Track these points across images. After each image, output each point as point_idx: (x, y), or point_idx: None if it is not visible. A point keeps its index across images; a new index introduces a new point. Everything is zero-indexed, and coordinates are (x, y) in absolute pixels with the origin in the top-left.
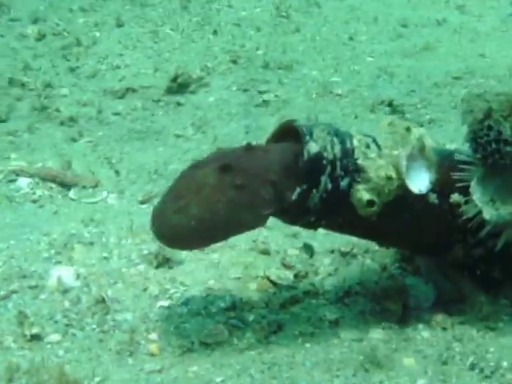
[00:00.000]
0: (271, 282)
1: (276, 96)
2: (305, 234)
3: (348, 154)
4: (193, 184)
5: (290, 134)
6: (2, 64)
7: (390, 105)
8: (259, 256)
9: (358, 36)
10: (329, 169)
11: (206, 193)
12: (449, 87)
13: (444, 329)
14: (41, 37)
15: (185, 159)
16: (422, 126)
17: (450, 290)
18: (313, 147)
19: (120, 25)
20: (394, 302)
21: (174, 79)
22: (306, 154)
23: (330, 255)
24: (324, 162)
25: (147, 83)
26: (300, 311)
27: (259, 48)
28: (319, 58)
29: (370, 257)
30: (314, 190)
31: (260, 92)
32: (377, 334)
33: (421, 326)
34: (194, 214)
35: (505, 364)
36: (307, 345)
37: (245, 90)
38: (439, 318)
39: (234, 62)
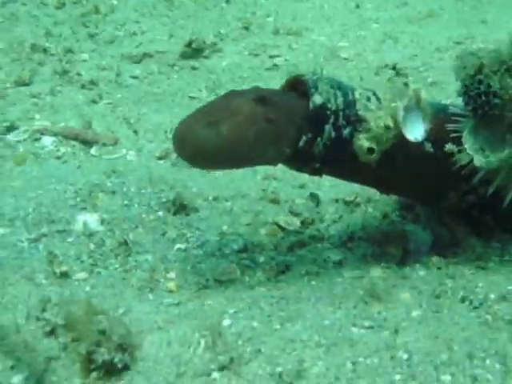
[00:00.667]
0: (280, 227)
1: (286, 60)
2: (311, 186)
3: (350, 105)
4: (228, 107)
5: (297, 87)
6: (25, 31)
7: (393, 68)
8: (269, 204)
9: (365, 4)
10: (332, 118)
11: (239, 118)
12: (450, 51)
13: (439, 268)
14: (61, 5)
15: None
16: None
17: (446, 235)
18: (317, 99)
19: None
20: (394, 246)
21: (189, 44)
22: (311, 104)
23: (335, 204)
24: (328, 112)
25: (163, 49)
26: (306, 253)
27: (270, 15)
28: (327, 24)
29: (372, 205)
30: (319, 138)
31: (270, 56)
32: (376, 273)
33: (417, 266)
34: (223, 133)
35: (492, 296)
36: (313, 282)
37: (256, 55)
38: (435, 259)
39: (246, 28)
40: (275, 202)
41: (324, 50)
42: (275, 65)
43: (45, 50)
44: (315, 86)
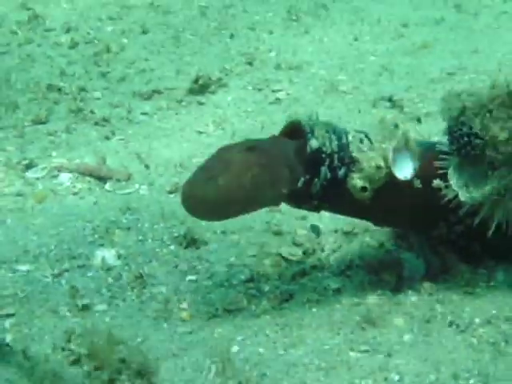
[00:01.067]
0: (283, 258)
1: (288, 94)
2: (312, 217)
3: (344, 148)
4: (221, 161)
5: (295, 130)
6: (41, 71)
7: (390, 100)
8: (273, 236)
9: (363, 37)
10: (328, 161)
11: (234, 168)
12: (443, 83)
13: (430, 294)
14: (74, 45)
15: (207, 153)
16: (419, 118)
17: (437, 262)
18: (314, 143)
19: (145, 32)
20: (389, 274)
21: (196, 81)
22: (308, 148)
23: (334, 234)
24: (323, 155)
25: (171, 85)
26: (307, 282)
27: (272, 50)
28: (327, 58)
29: (369, 235)
30: (316, 179)
31: (273, 91)
32: (373, 300)
33: (410, 292)
34: (222, 185)
35: (477, 320)
36: (313, 309)
37: (259, 90)
38: (426, 285)
39: (250, 63)
40: (278, 233)
41: (323, 84)
42: (278, 99)
43: (59, 90)
44: (312, 131)
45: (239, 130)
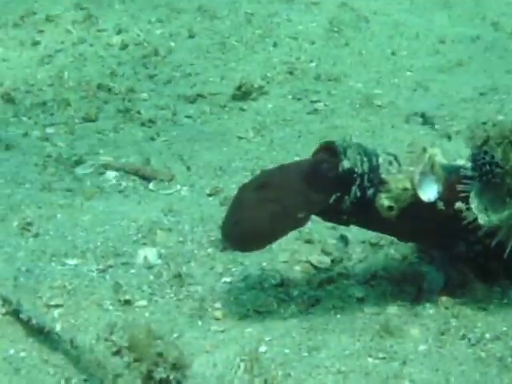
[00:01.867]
0: (312, 265)
1: (325, 105)
2: (342, 228)
3: (374, 169)
4: (241, 202)
5: (329, 150)
6: (93, 70)
7: (422, 116)
8: (304, 244)
9: (400, 51)
10: (358, 181)
11: (252, 209)
12: (474, 102)
13: (446, 308)
14: (124, 46)
15: (245, 158)
16: (449, 136)
17: (456, 277)
18: (346, 164)
19: (192, 36)
20: (410, 285)
21: (239, 88)
22: (340, 168)
23: (362, 245)
24: (354, 175)
25: (214, 90)
26: (334, 289)
27: (313, 60)
28: (364, 71)
29: (393, 248)
30: (346, 197)
31: (312, 101)
32: (392, 310)
33: (428, 305)
34: (247, 226)
35: (487, 336)
36: (338, 316)
37: (298, 99)
38: (444, 299)
39: (291, 73)
40: (310, 241)
41: (360, 97)
42: (315, 109)
43: (109, 89)
44: (344, 153)
45: (277, 137)
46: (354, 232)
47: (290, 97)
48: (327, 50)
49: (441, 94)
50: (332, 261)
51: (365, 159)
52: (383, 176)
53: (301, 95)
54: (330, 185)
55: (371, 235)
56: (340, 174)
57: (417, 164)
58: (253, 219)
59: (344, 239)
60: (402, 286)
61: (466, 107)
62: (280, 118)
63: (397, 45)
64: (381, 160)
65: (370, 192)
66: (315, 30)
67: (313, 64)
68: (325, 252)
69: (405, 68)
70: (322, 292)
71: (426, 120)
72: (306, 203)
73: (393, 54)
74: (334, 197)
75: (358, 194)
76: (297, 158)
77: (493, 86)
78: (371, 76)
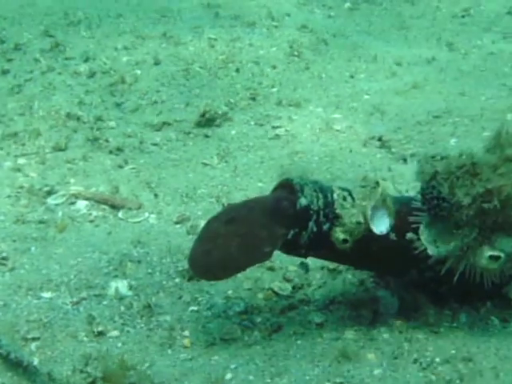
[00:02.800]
0: (274, 292)
1: (286, 131)
2: None
3: (329, 205)
4: (211, 234)
5: (288, 187)
6: (62, 99)
7: (379, 140)
8: (266, 271)
9: (358, 74)
10: (314, 216)
11: (220, 241)
12: (429, 125)
13: (400, 332)
14: (92, 74)
15: (211, 185)
16: (405, 159)
17: (410, 301)
18: (303, 201)
19: (157, 63)
20: (366, 309)
21: (203, 114)
22: (298, 205)
23: (321, 271)
24: (311, 211)
25: (180, 117)
26: (295, 315)
27: (274, 85)
28: (324, 95)
29: (351, 273)
30: (304, 232)
31: (273, 127)
32: (350, 335)
33: (383, 329)
34: (215, 257)
35: (437, 359)
36: (298, 341)
37: (261, 125)
38: (398, 323)
39: (253, 98)
40: (272, 269)
41: (320, 121)
42: (277, 135)
43: (78, 118)
44: (301, 190)
45: (241, 163)
46: (313, 259)
47: (252, 123)
48: (288, 75)
49: (397, 117)
50: (293, 287)
51: (320, 196)
52: (338, 211)
53: (263, 121)
54: (290, 221)
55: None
56: (298, 211)
57: (369, 199)
58: (222, 251)
59: (304, 266)
60: (359, 311)
61: (421, 130)
62: (243, 144)
63: (355, 68)
64: (335, 196)
65: (326, 226)
66: (276, 55)
67: (274, 89)
68: (286, 279)
69: (363, 91)
70: (284, 318)
71: (383, 143)
72: (270, 238)
73: (351, 77)
74: (292, 232)
75: (315, 228)
76: (260, 184)
77: (447, 109)
78: (330, 100)
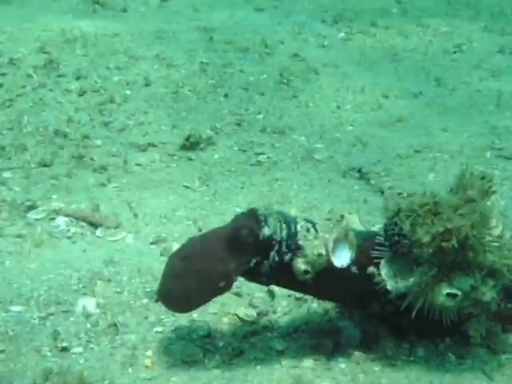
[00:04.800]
0: (239, 317)
1: (268, 157)
2: None
3: (292, 236)
4: (170, 271)
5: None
6: (50, 116)
7: (359, 171)
8: (233, 296)
9: (345, 105)
10: (277, 247)
11: (179, 279)
12: (409, 159)
13: (357, 363)
14: (82, 92)
15: (190, 207)
16: (382, 191)
17: (372, 333)
18: (266, 231)
19: (148, 84)
20: (328, 339)
21: (187, 138)
22: (261, 235)
23: (287, 299)
24: (273, 242)
25: (165, 139)
26: (257, 341)
27: (260, 112)
28: (309, 124)
29: (317, 302)
30: (265, 261)
31: (256, 153)
32: (308, 363)
33: (341, 359)
34: (176, 293)
35: None
36: (258, 367)
37: (244, 151)
38: (357, 353)
39: (239, 124)
40: (238, 295)
41: (302, 150)
42: (259, 161)
43: (65, 136)
44: (265, 220)
45: (221, 188)
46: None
47: (235, 148)
48: (275, 102)
49: (378, 149)
50: (258, 314)
51: (284, 226)
52: (300, 242)
53: (246, 147)
54: (250, 249)
55: None
56: (260, 241)
57: (332, 231)
58: (181, 289)
59: (271, 293)
60: (321, 340)
61: (401, 163)
62: (225, 168)
63: (342, 98)
64: (299, 227)
65: (288, 257)
66: (266, 82)
67: (260, 116)
68: (252, 305)
69: (347, 122)
70: (246, 344)
71: (362, 175)
72: (225, 273)
73: (338, 107)
74: (254, 260)
75: (277, 258)
76: (238, 210)
77: (428, 144)
78: (315, 130)
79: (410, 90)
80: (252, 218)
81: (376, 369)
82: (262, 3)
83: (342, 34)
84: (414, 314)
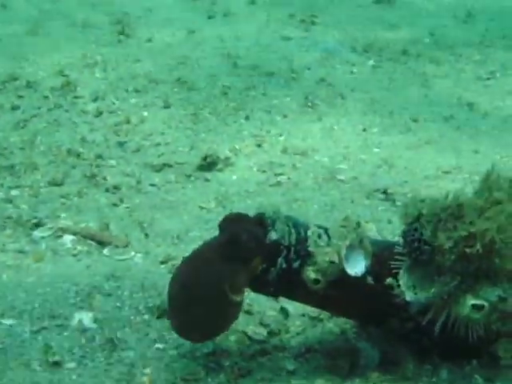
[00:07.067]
0: (247, 336)
1: (288, 178)
2: (284, 299)
3: (301, 241)
4: (174, 304)
5: (260, 222)
6: (64, 136)
7: (384, 192)
8: (243, 314)
9: (372, 128)
10: (284, 252)
11: (179, 309)
12: (437, 180)
13: None
14: (98, 114)
15: (204, 228)
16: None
17: (391, 353)
18: (273, 235)
19: (167, 106)
20: (344, 360)
21: (205, 158)
22: (267, 240)
23: (301, 318)
24: (281, 247)
25: (182, 160)
26: (266, 361)
27: (282, 134)
28: (333, 145)
29: (333, 322)
30: (272, 268)
31: (275, 174)
32: None
33: (358, 380)
34: (177, 325)
35: None
36: None
37: (263, 172)
38: (374, 375)
39: (259, 145)
40: (249, 312)
41: (324, 171)
42: (278, 182)
43: (78, 155)
44: (273, 224)
45: (238, 208)
46: (295, 305)
47: (255, 169)
48: (299, 124)
49: (405, 170)
50: (268, 333)
51: (293, 231)
52: (310, 248)
53: (266, 168)
54: (255, 255)
55: (311, 308)
56: (267, 245)
57: (347, 237)
58: (184, 320)
59: (284, 311)
60: (336, 360)
61: (429, 184)
62: (243, 189)
63: (369, 121)
64: (309, 233)
65: (296, 264)
66: (289, 105)
67: (282, 137)
68: (262, 323)
69: (373, 145)
70: (254, 363)
71: (388, 196)
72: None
73: (364, 130)
74: (260, 268)
75: (284, 265)
76: None
77: (457, 165)
78: (339, 151)
79: (440, 113)
80: (251, 221)
81: None
82: (289, 33)
83: (371, 62)
84: (437, 328)
